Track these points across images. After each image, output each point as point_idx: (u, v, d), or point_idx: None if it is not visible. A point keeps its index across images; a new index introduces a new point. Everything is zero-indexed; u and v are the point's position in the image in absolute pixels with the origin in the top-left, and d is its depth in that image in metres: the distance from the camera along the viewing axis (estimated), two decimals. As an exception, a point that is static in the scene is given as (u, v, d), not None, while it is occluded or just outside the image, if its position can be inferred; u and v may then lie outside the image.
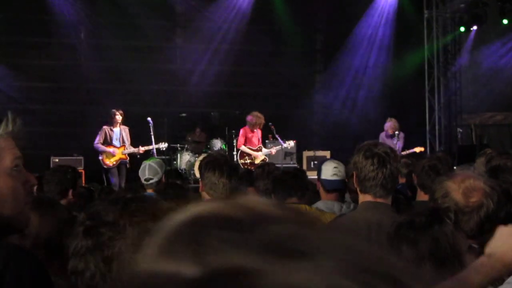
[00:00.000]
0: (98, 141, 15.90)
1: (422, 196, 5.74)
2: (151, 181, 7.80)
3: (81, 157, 16.92)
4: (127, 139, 15.96)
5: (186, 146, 16.90)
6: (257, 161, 15.79)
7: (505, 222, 3.81)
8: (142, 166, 8.02)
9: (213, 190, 5.15)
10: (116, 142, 15.89)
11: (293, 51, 20.72)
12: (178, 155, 16.71)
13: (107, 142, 15.88)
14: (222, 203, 0.81)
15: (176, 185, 7.15)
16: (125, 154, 15.84)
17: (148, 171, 7.84)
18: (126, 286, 0.78)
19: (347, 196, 6.84)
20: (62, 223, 4.13)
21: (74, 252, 2.13)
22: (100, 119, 17.58)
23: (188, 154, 16.63)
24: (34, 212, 3.51)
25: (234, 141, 16.67)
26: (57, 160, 16.51)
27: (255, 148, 15.98)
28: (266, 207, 0.80)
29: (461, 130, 20.32)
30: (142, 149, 16.10)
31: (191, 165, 16.27)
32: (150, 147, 16.22)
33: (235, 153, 16.45)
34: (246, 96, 19.75)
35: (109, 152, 15.83)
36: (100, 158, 15.90)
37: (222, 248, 0.73)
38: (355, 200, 6.42)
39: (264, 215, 0.78)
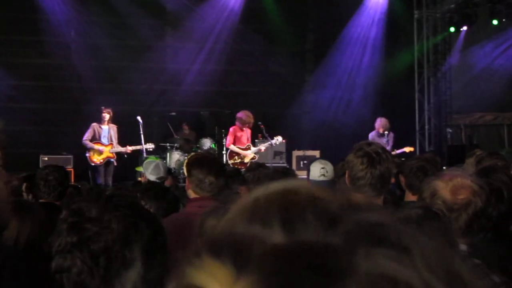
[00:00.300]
0: (86, 138, 15.84)
1: (410, 197, 5.74)
2: (162, 180, 7.79)
3: (71, 156, 16.89)
4: (115, 138, 15.94)
5: (175, 145, 16.86)
6: (246, 160, 15.78)
7: (497, 222, 3.82)
8: (155, 163, 7.96)
9: (199, 187, 5.13)
10: (104, 140, 15.87)
11: (284, 51, 20.72)
12: (168, 154, 16.66)
13: (95, 139, 15.85)
14: (313, 185, 0.85)
15: (157, 185, 7.14)
16: (112, 153, 15.81)
17: (163, 170, 7.82)
18: (206, 245, 0.79)
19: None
20: (42, 225, 4.13)
21: (59, 249, 2.12)
22: (90, 117, 17.56)
23: (178, 153, 16.59)
24: (14, 215, 3.51)
25: (224, 140, 16.64)
26: (46, 158, 16.47)
27: (244, 147, 15.95)
28: (353, 197, 0.84)
29: (450, 130, 20.37)
30: (130, 148, 16.08)
31: (181, 164, 16.21)
32: (138, 147, 16.20)
33: (224, 152, 16.44)
34: (237, 96, 19.73)
35: (97, 150, 15.78)
36: (87, 155, 15.85)
37: (313, 224, 0.76)
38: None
39: (354, 202, 0.82)
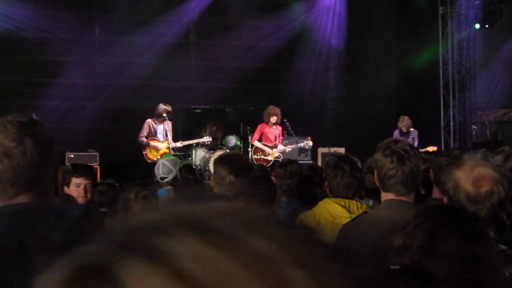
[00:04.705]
0: (142, 135, 15.45)
1: (437, 194, 5.72)
2: (166, 180, 7.86)
3: (96, 153, 16.94)
4: (170, 134, 15.62)
5: (201, 142, 16.88)
6: (270, 158, 15.76)
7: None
8: (157, 164, 8.08)
9: (219, 185, 5.19)
10: (160, 136, 15.53)
11: (307, 47, 20.71)
12: (193, 151, 16.68)
13: (151, 135, 15.49)
14: None
15: (191, 180, 7.19)
16: (168, 148, 15.42)
17: (162, 170, 7.89)
18: None
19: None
20: None
21: None
22: (114, 115, 17.69)
23: (203, 150, 16.60)
24: None
25: (249, 137, 16.63)
26: (72, 156, 16.56)
27: (270, 145, 15.92)
28: None
29: (475, 127, 20.27)
30: (185, 142, 15.95)
31: (206, 161, 16.25)
32: (194, 141, 16.16)
33: (250, 149, 16.42)
34: (261, 92, 19.77)
35: (153, 146, 15.41)
36: (144, 152, 15.48)
37: None
38: (369, 191, 6.43)
39: None
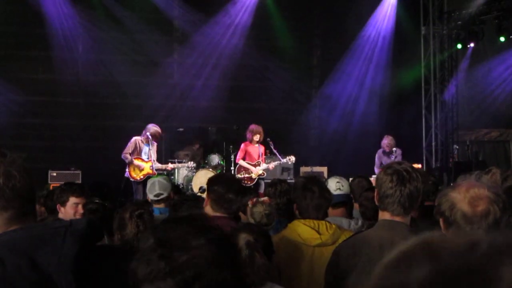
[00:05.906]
0: (126, 152, 15.02)
1: (413, 212, 5.73)
2: (161, 196, 7.85)
3: (79, 171, 16.87)
4: (154, 156, 15.29)
5: (183, 161, 16.83)
6: (254, 176, 15.74)
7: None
8: (151, 182, 8.06)
9: (217, 204, 5.21)
10: (144, 157, 15.14)
11: (291, 67, 20.73)
12: (176, 170, 16.64)
13: (136, 154, 15.09)
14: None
15: (189, 199, 7.21)
16: (152, 169, 15.04)
17: (159, 187, 7.87)
18: None
19: (355, 212, 6.91)
20: None
21: (150, 277, 2.06)
22: (98, 133, 17.59)
23: (186, 169, 16.55)
24: None
25: (232, 156, 16.60)
26: (54, 174, 16.49)
27: (253, 163, 15.89)
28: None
29: (457, 147, 20.37)
30: (170, 166, 15.80)
31: (189, 180, 16.22)
32: (179, 165, 16.07)
33: (232, 168, 16.39)
34: (244, 111, 19.74)
35: (137, 166, 15.00)
36: (127, 170, 15.06)
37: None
38: (364, 214, 6.47)
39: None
